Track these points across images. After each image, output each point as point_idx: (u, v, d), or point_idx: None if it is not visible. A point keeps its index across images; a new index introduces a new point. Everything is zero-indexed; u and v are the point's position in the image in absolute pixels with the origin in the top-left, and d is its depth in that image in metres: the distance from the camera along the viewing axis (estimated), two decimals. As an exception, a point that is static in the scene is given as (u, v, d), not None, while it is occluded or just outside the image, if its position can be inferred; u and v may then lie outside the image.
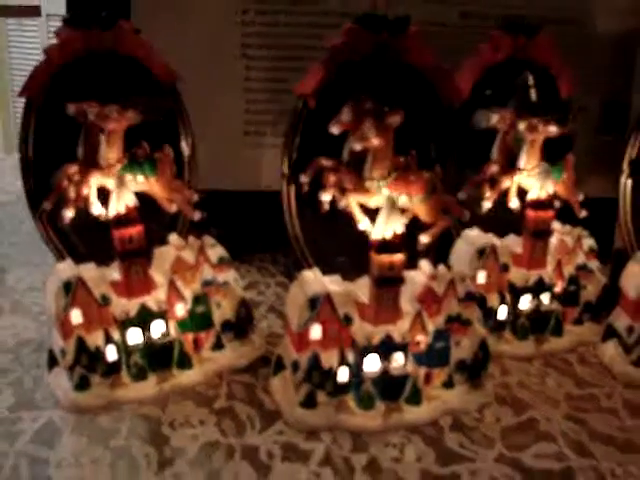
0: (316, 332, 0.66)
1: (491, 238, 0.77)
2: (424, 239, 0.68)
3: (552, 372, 0.77)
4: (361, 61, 0.68)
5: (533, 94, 0.77)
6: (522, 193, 0.79)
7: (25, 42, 2.63)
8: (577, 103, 0.89)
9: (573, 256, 0.81)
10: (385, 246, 0.64)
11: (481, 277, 0.77)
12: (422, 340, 0.68)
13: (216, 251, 0.74)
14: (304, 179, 0.67)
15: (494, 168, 0.78)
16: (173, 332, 0.70)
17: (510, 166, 0.78)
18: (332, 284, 0.67)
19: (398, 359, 0.66)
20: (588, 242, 0.82)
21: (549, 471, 0.62)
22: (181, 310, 0.71)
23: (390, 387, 0.67)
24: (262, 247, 1.00)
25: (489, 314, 0.78)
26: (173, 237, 0.74)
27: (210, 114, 0.88)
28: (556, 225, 0.81)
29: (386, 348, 0.66)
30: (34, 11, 2.12)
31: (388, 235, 0.63)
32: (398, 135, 0.62)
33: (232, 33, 0.89)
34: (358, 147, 0.63)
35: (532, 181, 0.77)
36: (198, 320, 0.72)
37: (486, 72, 0.79)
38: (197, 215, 0.73)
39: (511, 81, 0.79)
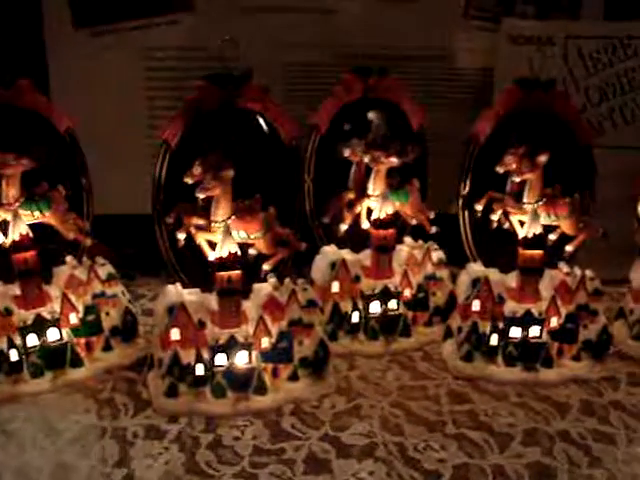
0: (175, 334, 0.86)
1: (342, 253, 0.97)
2: (265, 267, 0.89)
3: (395, 367, 0.96)
4: (214, 111, 0.89)
5: (379, 130, 0.96)
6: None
7: None
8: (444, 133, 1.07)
9: (422, 267, 1.00)
10: (223, 264, 0.84)
11: (335, 286, 0.96)
12: (266, 341, 0.87)
13: (105, 269, 0.94)
14: (169, 220, 0.88)
15: (350, 195, 0.98)
16: (66, 337, 0.91)
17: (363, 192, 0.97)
18: (189, 295, 0.88)
19: (242, 357, 0.86)
20: (437, 254, 1.01)
21: (356, 445, 0.82)
22: (74, 318, 0.92)
23: (238, 380, 0.87)
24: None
25: (344, 318, 0.97)
26: (69, 258, 0.95)
27: (119, 150, 1.09)
28: (407, 240, 1.01)
29: (231, 347, 0.86)
30: None
31: (225, 254, 0.83)
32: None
33: (138, 80, 1.10)
34: (202, 196, 0.83)
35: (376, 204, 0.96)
36: (89, 327, 0.93)
37: (342, 109, 0.99)
38: (89, 241, 0.94)
39: (365, 117, 0.99)
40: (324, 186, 1.00)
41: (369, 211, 0.97)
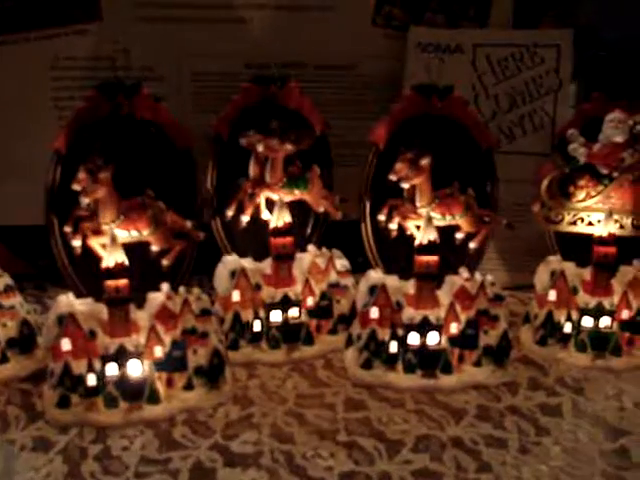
0: (66, 345, 0.86)
1: (241, 262, 0.97)
2: (165, 262, 0.89)
3: (295, 376, 0.96)
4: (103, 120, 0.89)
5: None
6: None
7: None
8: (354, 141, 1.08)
9: (326, 275, 1.00)
10: (110, 273, 0.84)
11: (235, 295, 0.96)
12: (159, 350, 0.87)
13: (2, 280, 0.94)
14: (67, 229, 0.88)
15: (249, 185, 0.98)
16: (-42, 350, 0.90)
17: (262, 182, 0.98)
18: (81, 305, 0.87)
19: (134, 366, 0.86)
20: (341, 262, 1.01)
21: (246, 454, 0.81)
22: (-33, 331, 0.91)
23: (130, 389, 0.86)
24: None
25: (245, 327, 0.97)
26: (-36, 270, 0.94)
27: (29, 160, 1.09)
28: (310, 248, 1.01)
29: (121, 357, 0.85)
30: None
31: (111, 264, 0.83)
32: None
33: (45, 90, 1.10)
34: (86, 201, 0.83)
35: (276, 195, 0.97)
36: (-17, 339, 0.92)
37: (242, 114, 0.99)
38: None
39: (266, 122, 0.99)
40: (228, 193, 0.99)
41: (268, 201, 0.97)
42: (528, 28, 1.13)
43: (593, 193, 1.00)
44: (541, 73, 1.12)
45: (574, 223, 1.02)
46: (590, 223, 1.01)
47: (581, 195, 1.01)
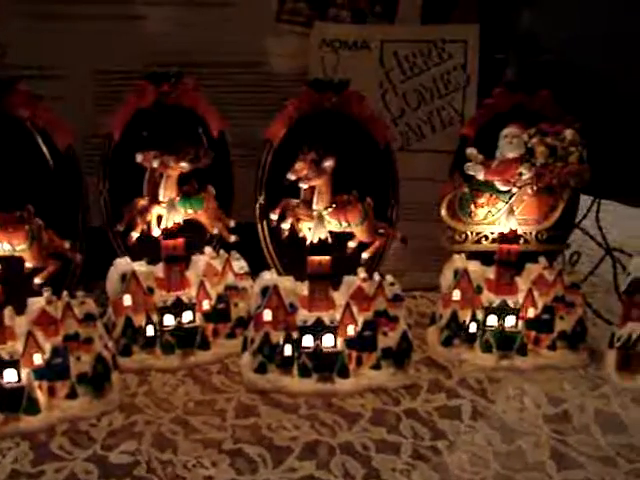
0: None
1: (132, 265, 0.93)
2: (37, 280, 0.85)
3: (188, 381, 0.92)
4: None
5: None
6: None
7: None
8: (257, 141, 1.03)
9: (223, 277, 0.96)
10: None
11: (127, 299, 0.92)
12: (39, 357, 0.83)
13: None
14: None
15: (143, 201, 0.94)
16: None
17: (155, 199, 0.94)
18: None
19: (9, 375, 0.81)
20: (239, 264, 0.97)
21: (122, 464, 0.77)
22: None
23: (5, 399, 0.82)
24: None
25: (138, 332, 0.93)
26: None
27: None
28: (208, 250, 0.97)
29: (-4, 365, 0.81)
30: None
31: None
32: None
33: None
34: None
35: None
36: None
37: (136, 116, 0.95)
38: None
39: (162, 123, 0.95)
40: (124, 194, 0.95)
41: (160, 218, 0.93)
42: (436, 24, 1.10)
43: (494, 210, 0.98)
44: (449, 69, 1.09)
45: (478, 242, 1.00)
46: (494, 240, 0.98)
47: (482, 213, 0.98)
